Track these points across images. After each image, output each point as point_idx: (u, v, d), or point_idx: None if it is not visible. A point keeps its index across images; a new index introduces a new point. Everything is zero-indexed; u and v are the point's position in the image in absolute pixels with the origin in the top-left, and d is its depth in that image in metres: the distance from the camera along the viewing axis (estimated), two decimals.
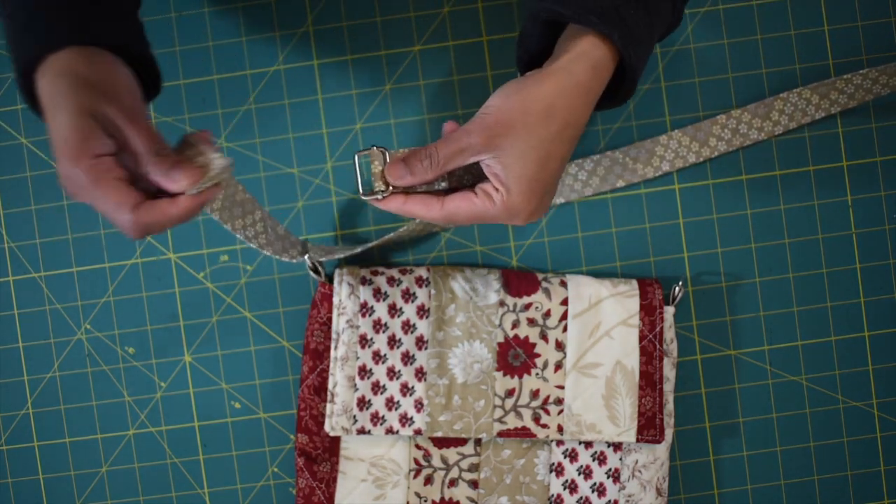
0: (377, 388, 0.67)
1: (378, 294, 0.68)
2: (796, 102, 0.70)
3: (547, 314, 0.68)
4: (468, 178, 0.59)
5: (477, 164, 0.57)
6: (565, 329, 0.68)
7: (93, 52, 0.52)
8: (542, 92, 0.54)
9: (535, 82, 0.55)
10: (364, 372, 0.67)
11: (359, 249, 0.68)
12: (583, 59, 0.55)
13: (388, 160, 0.57)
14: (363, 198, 0.57)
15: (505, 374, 0.68)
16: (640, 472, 0.68)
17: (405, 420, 0.67)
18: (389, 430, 0.67)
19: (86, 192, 0.51)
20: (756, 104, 0.70)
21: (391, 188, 0.57)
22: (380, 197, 0.57)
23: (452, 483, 0.68)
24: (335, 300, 0.68)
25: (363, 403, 0.67)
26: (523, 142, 0.54)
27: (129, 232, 0.52)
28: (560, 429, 0.67)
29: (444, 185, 0.58)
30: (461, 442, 0.68)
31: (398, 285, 0.68)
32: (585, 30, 0.55)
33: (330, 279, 0.69)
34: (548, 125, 0.54)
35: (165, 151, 0.52)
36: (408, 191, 0.57)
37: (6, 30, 0.53)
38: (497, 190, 0.55)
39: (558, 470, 0.69)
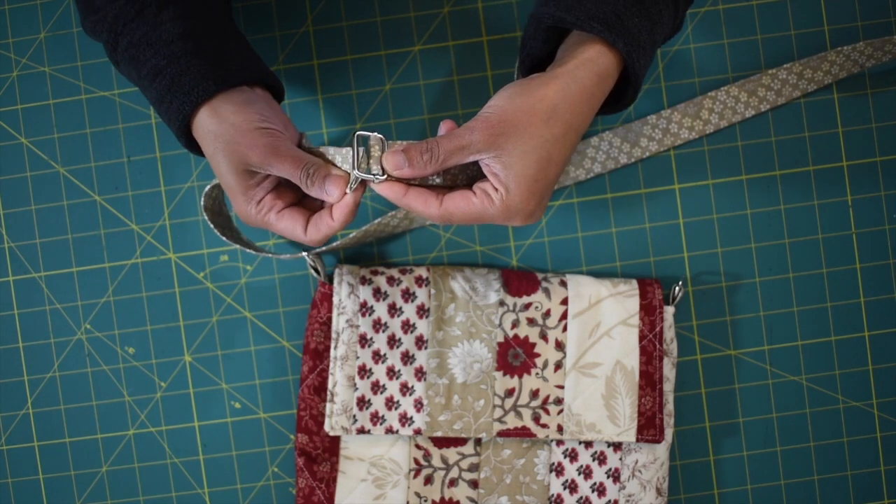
0: (377, 387, 0.67)
1: (378, 294, 0.68)
2: (725, 101, 0.70)
3: (547, 314, 0.68)
4: (463, 177, 0.58)
5: (474, 164, 0.57)
6: (565, 329, 0.68)
7: (236, 96, 0.57)
8: (547, 94, 0.55)
9: (539, 84, 0.55)
10: (364, 371, 0.67)
11: (351, 236, 0.68)
12: (588, 66, 0.55)
13: (386, 149, 0.57)
14: (354, 173, 0.56)
15: (505, 374, 0.68)
16: (640, 471, 0.68)
17: (405, 420, 0.67)
18: (389, 430, 0.67)
19: (258, 226, 0.59)
20: (686, 103, 0.70)
21: (386, 176, 0.57)
22: (374, 180, 0.56)
23: (452, 483, 0.68)
24: (335, 300, 0.68)
25: (363, 403, 0.67)
26: (525, 142, 0.54)
27: (308, 244, 0.59)
28: (560, 428, 0.67)
29: (438, 180, 0.58)
30: (461, 442, 0.68)
31: (398, 285, 0.68)
32: (590, 37, 0.55)
33: (330, 279, 0.69)
34: (550, 127, 0.54)
35: (312, 169, 0.57)
36: (408, 182, 0.57)
37: (149, 91, 0.58)
38: (496, 189, 0.55)
39: (558, 470, 0.69)
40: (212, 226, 0.67)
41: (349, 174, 0.57)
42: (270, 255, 0.69)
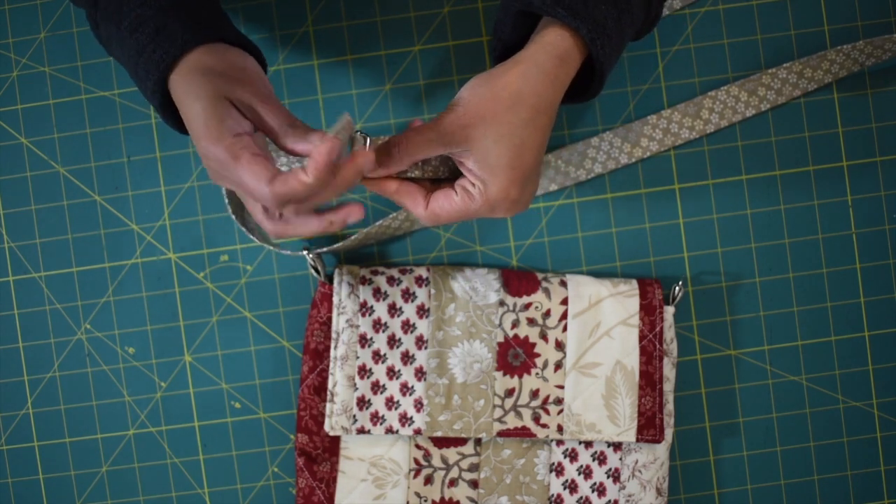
0: (377, 387, 0.67)
1: (378, 294, 0.68)
2: (725, 100, 0.70)
3: (547, 314, 0.68)
4: (444, 169, 0.59)
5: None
6: (565, 329, 0.68)
7: (219, 47, 0.55)
8: (509, 80, 0.55)
9: (502, 72, 0.56)
10: (364, 371, 0.67)
11: (353, 238, 0.68)
12: (548, 50, 0.56)
13: (367, 145, 0.57)
14: None
15: (505, 374, 0.68)
16: (640, 471, 0.68)
17: (405, 420, 0.67)
18: (389, 430, 0.67)
19: (226, 169, 0.52)
20: (686, 103, 0.71)
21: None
22: None
23: (452, 483, 0.68)
24: (335, 300, 0.68)
25: (363, 403, 0.67)
26: (494, 130, 0.55)
27: (269, 203, 0.53)
28: (560, 428, 0.67)
29: (417, 173, 0.59)
30: (461, 442, 0.68)
31: (398, 285, 0.68)
32: (555, 22, 0.56)
33: (330, 279, 0.69)
34: (517, 111, 0.55)
35: (299, 123, 0.55)
36: (399, 177, 0.58)
37: (128, 44, 0.55)
38: (474, 185, 0.56)
39: (558, 470, 0.69)
40: (229, 209, 0.66)
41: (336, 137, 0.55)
42: (271, 249, 0.70)
